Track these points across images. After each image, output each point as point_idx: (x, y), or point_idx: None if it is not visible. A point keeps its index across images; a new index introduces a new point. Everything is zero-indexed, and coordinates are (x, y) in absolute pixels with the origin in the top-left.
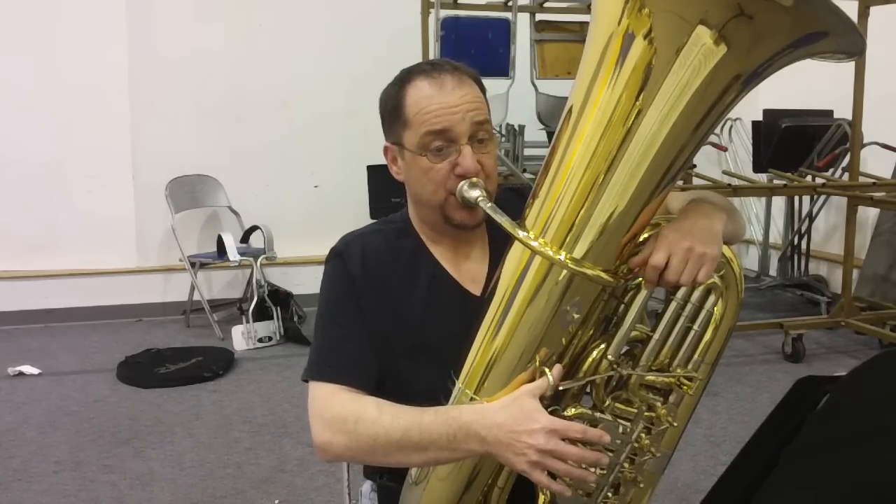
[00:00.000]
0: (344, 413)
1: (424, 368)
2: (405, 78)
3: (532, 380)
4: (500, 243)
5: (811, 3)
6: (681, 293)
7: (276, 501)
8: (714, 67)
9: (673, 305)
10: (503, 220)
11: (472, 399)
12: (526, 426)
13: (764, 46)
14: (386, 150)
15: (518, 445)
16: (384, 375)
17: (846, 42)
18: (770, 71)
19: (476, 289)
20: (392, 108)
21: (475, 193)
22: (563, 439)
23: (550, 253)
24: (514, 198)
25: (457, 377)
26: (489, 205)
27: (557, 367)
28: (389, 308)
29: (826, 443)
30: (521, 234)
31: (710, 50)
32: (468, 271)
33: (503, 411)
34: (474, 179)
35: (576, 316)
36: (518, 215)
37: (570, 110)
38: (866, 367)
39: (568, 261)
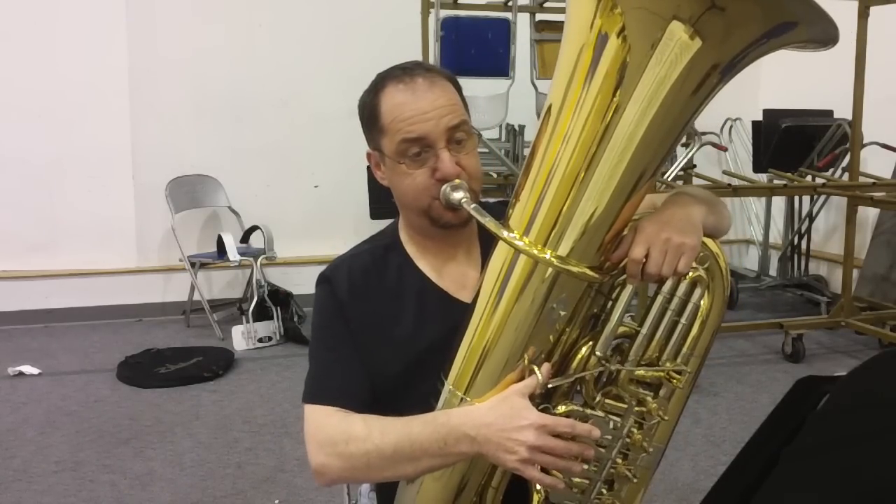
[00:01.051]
0: (335, 435)
1: (420, 383)
2: (378, 84)
3: (521, 378)
4: (490, 246)
5: None
6: (667, 287)
7: (276, 501)
8: (690, 60)
9: (659, 299)
10: (487, 221)
11: (461, 399)
12: (515, 424)
13: (737, 37)
14: (369, 156)
15: (508, 443)
16: (380, 393)
17: (818, 31)
18: (746, 62)
19: (467, 295)
20: (369, 116)
21: (458, 195)
22: (554, 435)
23: (535, 251)
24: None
25: (446, 378)
26: (473, 206)
27: (546, 365)
28: (379, 327)
29: (826, 443)
30: (505, 233)
31: (686, 43)
32: (458, 278)
33: (492, 411)
34: (457, 181)
35: (562, 313)
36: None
37: (548, 110)
38: (866, 367)
39: (553, 259)
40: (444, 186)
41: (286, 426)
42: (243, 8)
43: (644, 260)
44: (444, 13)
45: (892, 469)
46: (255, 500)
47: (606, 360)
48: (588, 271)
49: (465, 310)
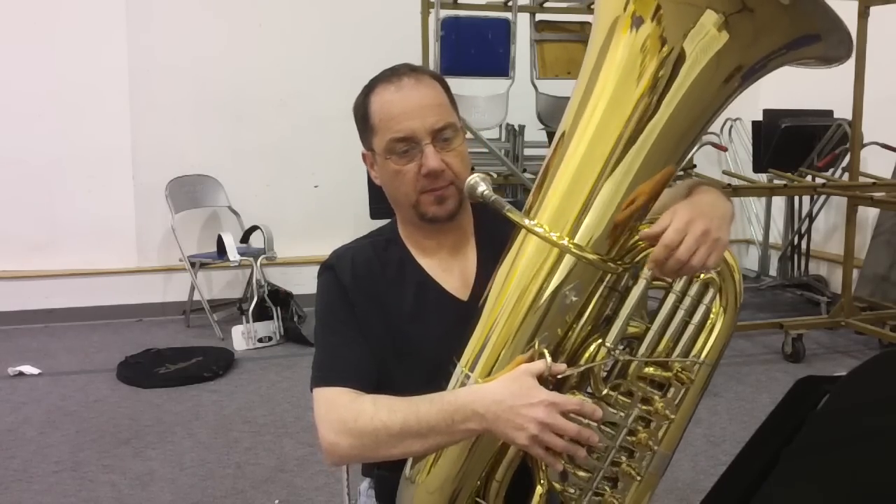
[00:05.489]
0: (345, 414)
1: (413, 373)
2: (369, 86)
3: (531, 361)
4: (487, 247)
5: (808, 4)
6: (679, 286)
7: (276, 501)
8: (717, 53)
9: (671, 298)
10: (508, 210)
11: (472, 380)
12: (525, 400)
13: (762, 43)
14: (364, 156)
15: (518, 420)
16: (379, 380)
17: (836, 48)
18: (765, 70)
19: (464, 293)
20: (361, 117)
21: (481, 189)
22: (562, 413)
23: (555, 238)
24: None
25: (458, 360)
26: (493, 198)
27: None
28: (379, 316)
29: (826, 443)
30: (527, 221)
31: (714, 36)
32: (455, 276)
33: (502, 389)
34: (482, 175)
35: (574, 299)
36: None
37: (572, 99)
38: (866, 367)
39: (570, 245)
40: (468, 179)
41: (286, 426)
42: (243, 8)
43: (676, 246)
44: (444, 13)
45: (892, 469)
46: (255, 500)
47: (615, 353)
48: (605, 260)
49: (462, 308)
